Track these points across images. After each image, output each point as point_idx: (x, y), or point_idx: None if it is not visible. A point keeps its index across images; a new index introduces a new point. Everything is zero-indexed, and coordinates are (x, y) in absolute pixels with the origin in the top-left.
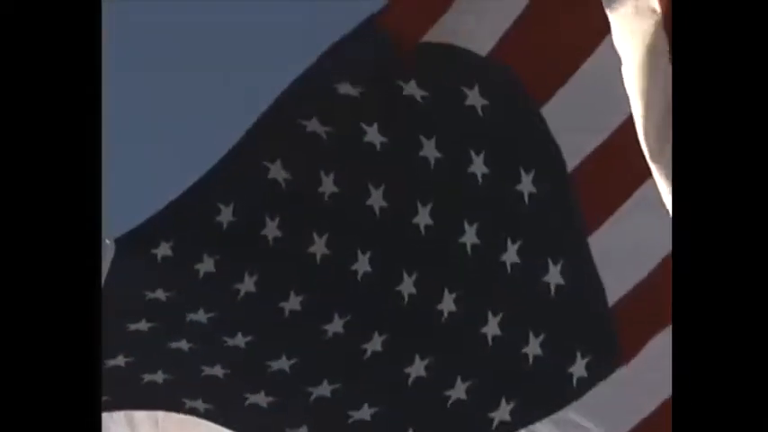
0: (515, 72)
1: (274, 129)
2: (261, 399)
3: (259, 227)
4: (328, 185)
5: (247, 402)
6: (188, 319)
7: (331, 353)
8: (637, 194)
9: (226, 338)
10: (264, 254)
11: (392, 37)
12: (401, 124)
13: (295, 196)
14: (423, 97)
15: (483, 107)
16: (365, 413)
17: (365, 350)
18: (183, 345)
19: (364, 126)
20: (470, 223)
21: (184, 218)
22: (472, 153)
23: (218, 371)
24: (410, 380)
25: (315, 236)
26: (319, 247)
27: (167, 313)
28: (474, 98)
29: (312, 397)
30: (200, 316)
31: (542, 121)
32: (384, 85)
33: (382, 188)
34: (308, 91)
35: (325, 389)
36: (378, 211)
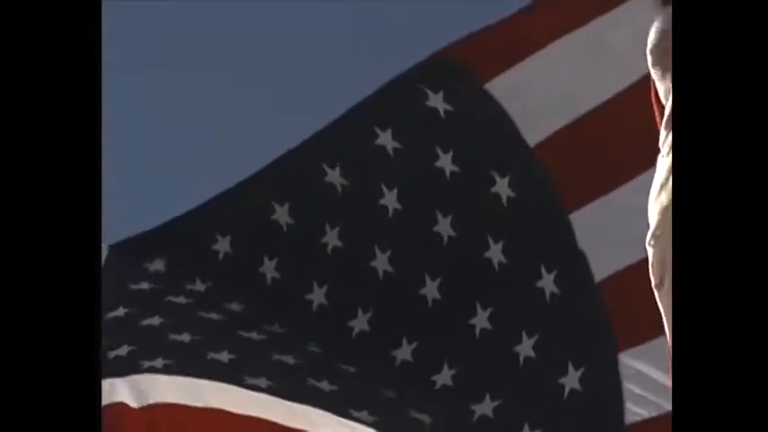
0: (554, 173)
1: (291, 171)
2: (223, 356)
3: (256, 264)
4: (332, 238)
5: (209, 357)
6: (165, 299)
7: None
8: None
9: (201, 313)
10: (259, 289)
11: (468, 68)
12: (421, 195)
13: (295, 242)
14: (452, 173)
15: (509, 198)
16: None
17: (342, 370)
18: (155, 320)
19: (384, 188)
20: (483, 307)
21: (181, 239)
22: (490, 240)
23: (185, 337)
24: (381, 399)
25: (315, 285)
26: (318, 296)
27: (146, 298)
28: (501, 187)
29: (274, 358)
30: (180, 299)
31: (569, 227)
32: (421, 148)
33: (389, 253)
34: (344, 131)
35: (289, 359)
36: (381, 275)
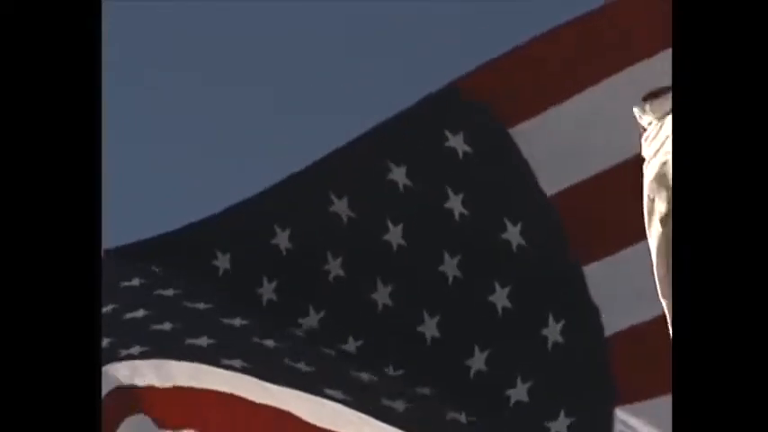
0: (568, 225)
1: (296, 196)
2: (203, 341)
3: (255, 284)
4: (335, 267)
5: (186, 343)
6: (155, 293)
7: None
8: None
9: (186, 303)
10: (257, 308)
11: (489, 107)
12: (427, 235)
13: (296, 267)
14: (461, 215)
15: (518, 246)
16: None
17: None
18: (139, 313)
19: (389, 224)
20: (481, 349)
21: (181, 251)
22: (496, 284)
23: (166, 326)
24: (356, 382)
25: (311, 309)
26: (312, 320)
27: (135, 293)
28: (512, 234)
29: (253, 340)
30: (168, 292)
31: (582, 279)
32: (434, 188)
33: (390, 287)
34: (357, 162)
35: (270, 342)
36: (380, 307)
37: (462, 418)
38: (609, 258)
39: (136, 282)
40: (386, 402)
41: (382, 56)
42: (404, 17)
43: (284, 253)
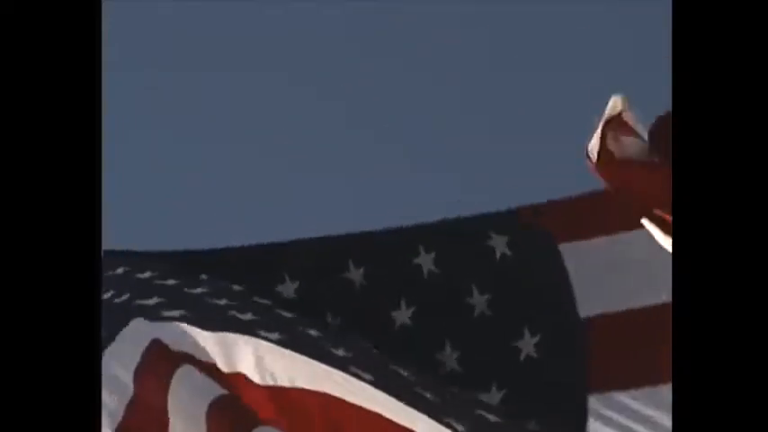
0: (591, 351)
1: (313, 254)
2: (150, 301)
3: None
4: (334, 325)
5: (134, 304)
6: (134, 276)
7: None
8: None
9: (157, 281)
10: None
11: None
12: (436, 322)
13: (297, 314)
14: (480, 314)
15: (528, 356)
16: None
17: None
18: (107, 294)
19: (402, 303)
20: None
21: (179, 272)
22: (493, 388)
23: (124, 298)
24: (298, 330)
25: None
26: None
27: (116, 280)
28: (526, 344)
29: (211, 302)
30: (146, 274)
31: (584, 405)
32: (458, 279)
33: (382, 376)
34: (385, 240)
35: (223, 301)
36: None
37: None
38: (622, 394)
39: (120, 270)
40: (332, 350)
41: (380, 53)
42: (404, 17)
43: (288, 300)
